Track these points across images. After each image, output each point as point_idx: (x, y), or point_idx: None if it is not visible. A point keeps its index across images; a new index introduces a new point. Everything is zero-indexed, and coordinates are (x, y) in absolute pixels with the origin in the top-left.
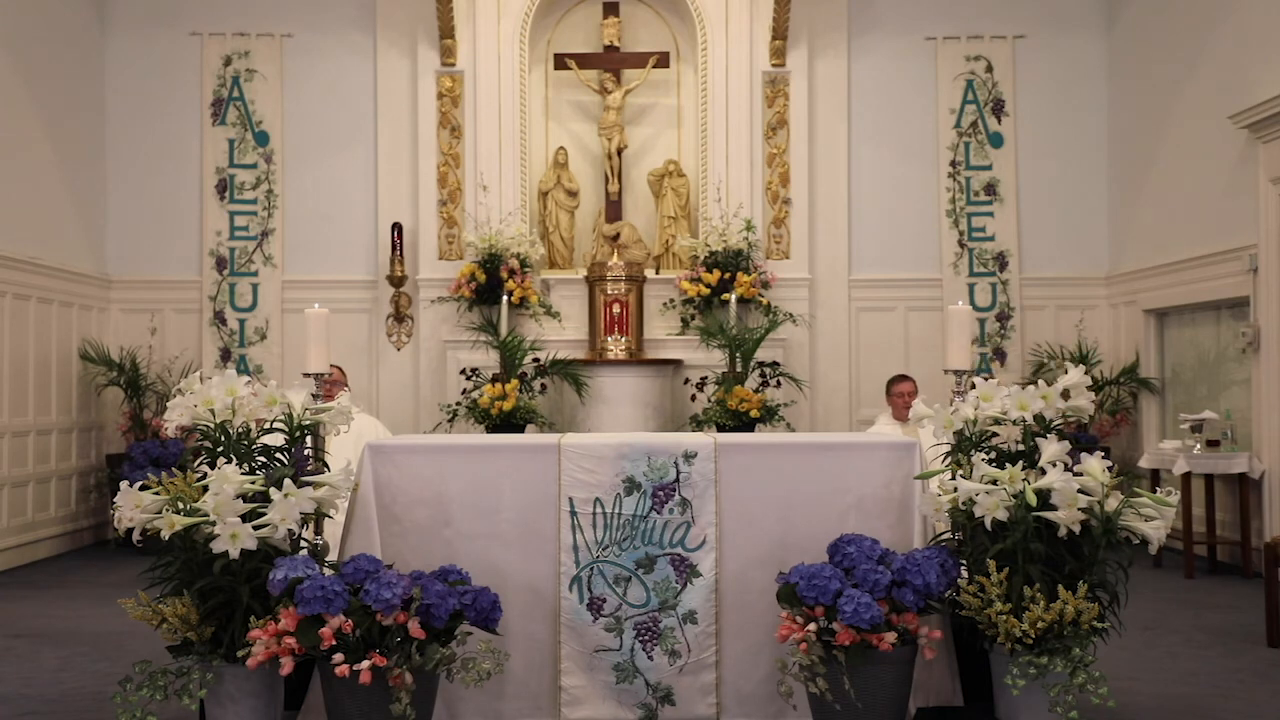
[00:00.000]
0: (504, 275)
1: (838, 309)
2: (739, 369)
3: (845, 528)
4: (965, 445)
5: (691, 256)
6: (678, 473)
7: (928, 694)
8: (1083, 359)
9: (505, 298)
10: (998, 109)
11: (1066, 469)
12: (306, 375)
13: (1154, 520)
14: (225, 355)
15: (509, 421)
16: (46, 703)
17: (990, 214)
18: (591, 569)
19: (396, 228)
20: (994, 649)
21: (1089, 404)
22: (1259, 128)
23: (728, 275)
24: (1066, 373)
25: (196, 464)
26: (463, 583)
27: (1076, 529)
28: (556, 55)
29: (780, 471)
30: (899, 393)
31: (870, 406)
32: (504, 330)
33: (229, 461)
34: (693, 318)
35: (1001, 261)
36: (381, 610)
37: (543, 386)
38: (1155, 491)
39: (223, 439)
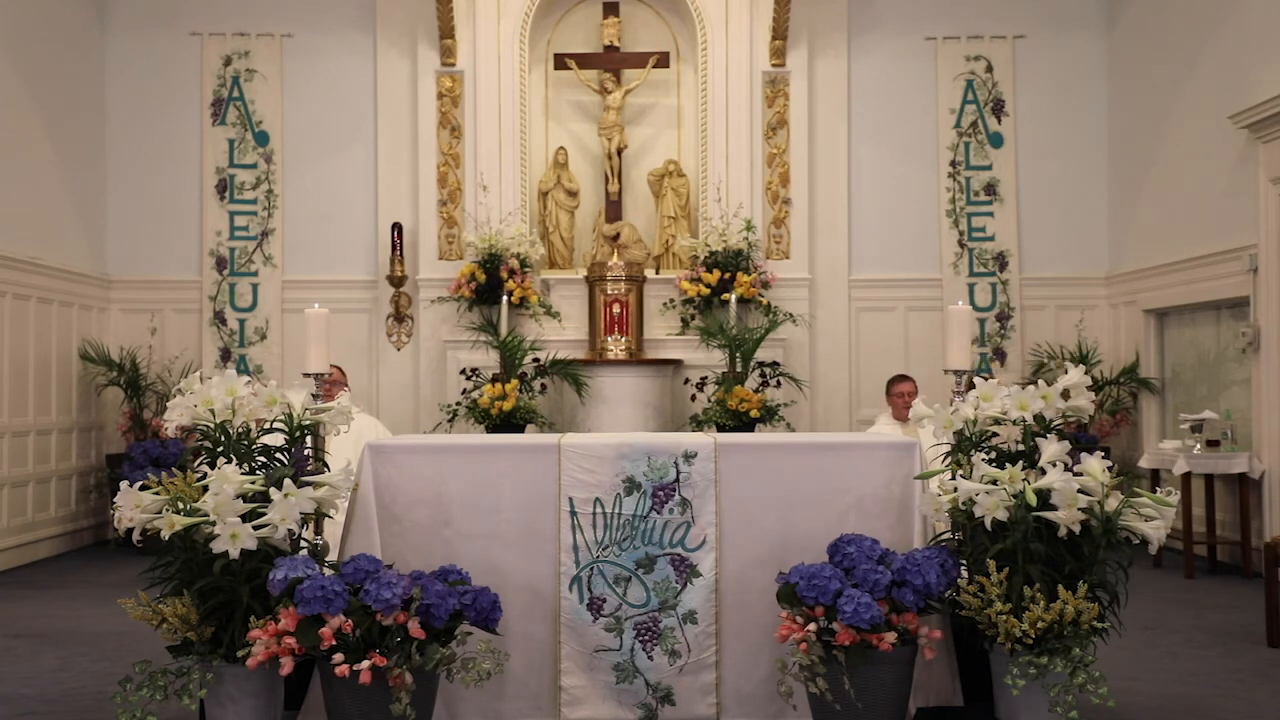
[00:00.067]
0: (504, 275)
1: (838, 309)
2: (739, 369)
3: (845, 528)
4: (965, 445)
5: (691, 256)
6: (678, 473)
7: (928, 694)
8: (1083, 359)
9: (505, 298)
10: (998, 109)
11: (1066, 469)
12: (306, 375)
13: (1154, 520)
14: (225, 355)
15: (509, 421)
16: (46, 703)
17: (990, 214)
18: (591, 569)
19: (396, 228)
20: (994, 649)
21: (1089, 404)
22: (1259, 128)
23: (728, 275)
24: (1066, 373)
25: (196, 464)
26: (463, 583)
27: (1076, 529)
28: (556, 55)
29: (780, 471)
30: (899, 393)
31: (870, 406)
32: (504, 330)
33: (229, 461)
34: (693, 318)
35: (1001, 261)
36: (381, 610)
37: (543, 386)
38: (1155, 491)
39: (223, 439)
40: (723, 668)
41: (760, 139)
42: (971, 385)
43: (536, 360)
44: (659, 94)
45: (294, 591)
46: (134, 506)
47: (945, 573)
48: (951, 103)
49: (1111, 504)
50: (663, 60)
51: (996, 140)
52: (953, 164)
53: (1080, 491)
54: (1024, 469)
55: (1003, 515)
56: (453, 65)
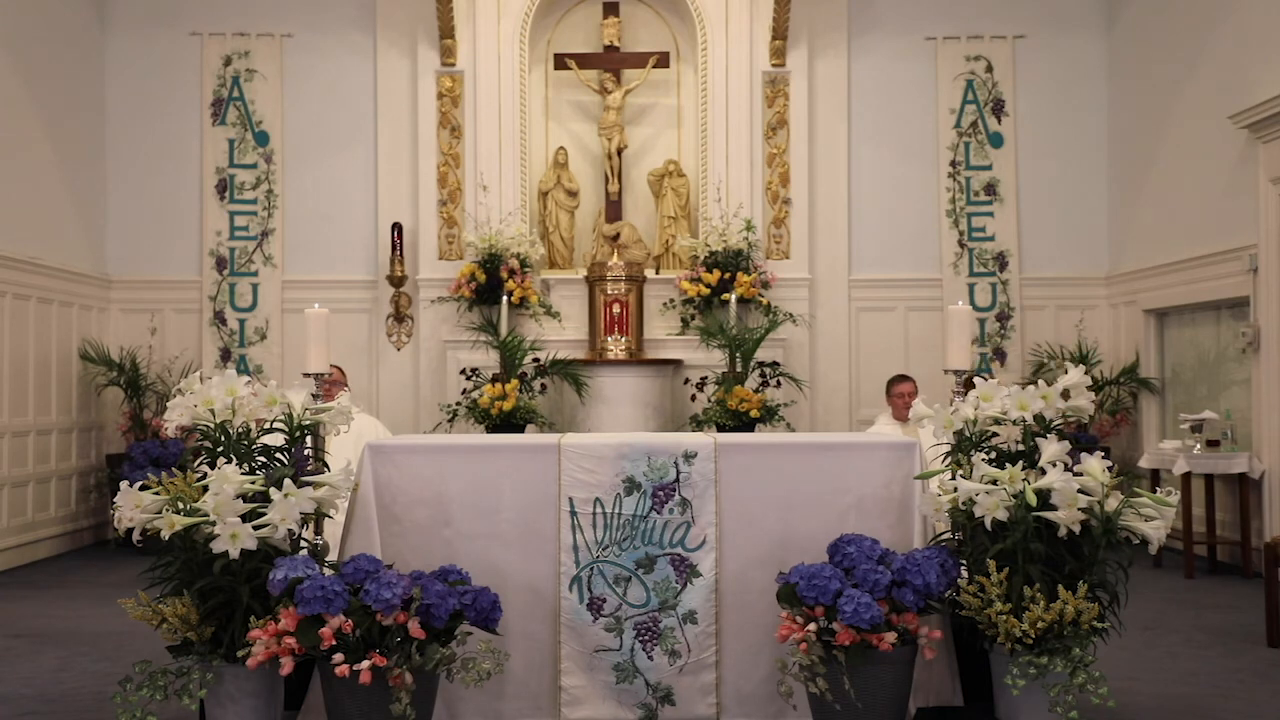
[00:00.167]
0: (504, 275)
1: (838, 309)
2: (739, 369)
3: (845, 528)
4: (965, 445)
5: (691, 256)
6: (678, 473)
7: (928, 694)
8: (1083, 359)
9: (505, 298)
10: (998, 109)
11: (1066, 469)
12: (306, 375)
13: (1154, 520)
14: (225, 355)
15: (509, 421)
16: (46, 703)
17: (990, 214)
18: (591, 569)
19: (396, 228)
20: (994, 649)
21: (1089, 404)
22: (1259, 128)
23: (728, 275)
24: (1066, 373)
25: (196, 464)
26: (463, 583)
27: (1076, 529)
28: (556, 55)
29: (780, 471)
30: (899, 393)
31: (870, 406)
32: (504, 330)
33: (229, 461)
34: (693, 318)
35: (1001, 261)
36: (381, 610)
37: (543, 386)
38: (1155, 491)
39: (223, 439)
40: (723, 668)
41: (760, 139)
42: (970, 384)
43: (536, 360)
44: (659, 94)
45: (294, 591)
46: (134, 506)
47: (945, 573)
48: (951, 103)
49: (1111, 504)
50: (663, 60)
51: (996, 140)
52: (953, 164)
53: (1080, 491)
54: (1024, 469)
55: (1003, 515)
56: (453, 65)
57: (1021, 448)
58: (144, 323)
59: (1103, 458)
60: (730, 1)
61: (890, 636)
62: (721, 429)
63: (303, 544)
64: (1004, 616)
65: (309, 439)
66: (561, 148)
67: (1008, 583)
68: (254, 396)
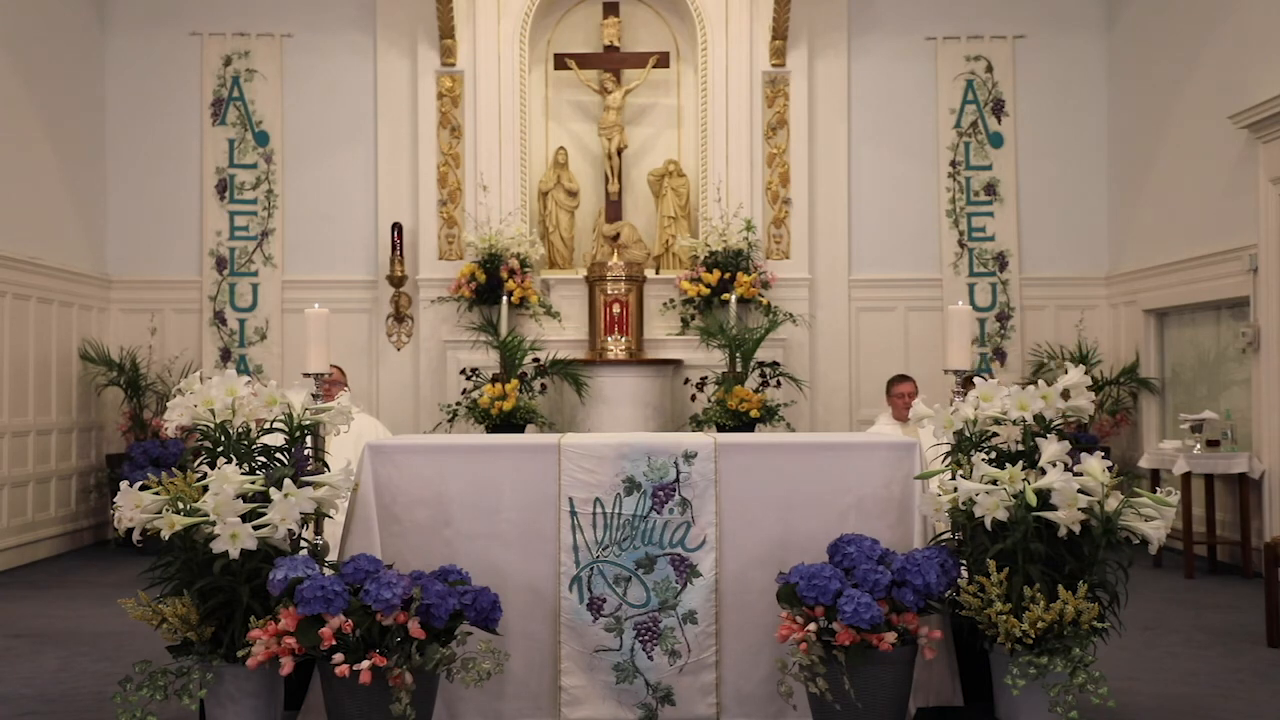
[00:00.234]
0: (504, 275)
1: (838, 309)
2: (739, 369)
3: (845, 528)
4: (965, 445)
5: (691, 256)
6: (678, 473)
7: (928, 694)
8: (1083, 359)
9: (505, 298)
10: (998, 109)
11: (1066, 469)
12: (306, 375)
13: (1154, 520)
14: (225, 355)
15: (509, 421)
16: (46, 703)
17: (990, 214)
18: (591, 569)
19: (396, 228)
20: (994, 649)
21: (1089, 404)
22: (1259, 128)
23: (728, 275)
24: (1066, 373)
25: (196, 464)
26: (463, 583)
27: (1076, 529)
28: (556, 55)
29: (780, 471)
30: (899, 393)
31: (870, 406)
32: (504, 330)
33: (229, 461)
34: (693, 318)
35: (1001, 261)
36: (381, 610)
37: (543, 386)
38: (1155, 491)
39: (223, 439)
40: (723, 668)
41: (760, 139)
42: (970, 384)
43: (536, 360)
44: (659, 94)
45: (294, 591)
46: (134, 506)
47: (945, 573)
48: (951, 103)
49: (1111, 504)
50: (663, 60)
51: (996, 140)
52: (953, 164)
53: (1080, 491)
54: (1024, 469)
55: (1003, 515)
56: (453, 65)
57: (1021, 448)
58: (144, 323)
59: (1103, 458)
60: (730, 1)
61: (890, 636)
62: (721, 429)
63: (303, 544)
64: (1004, 616)
65: (309, 439)
66: (561, 148)
67: (1008, 583)
68: (254, 396)
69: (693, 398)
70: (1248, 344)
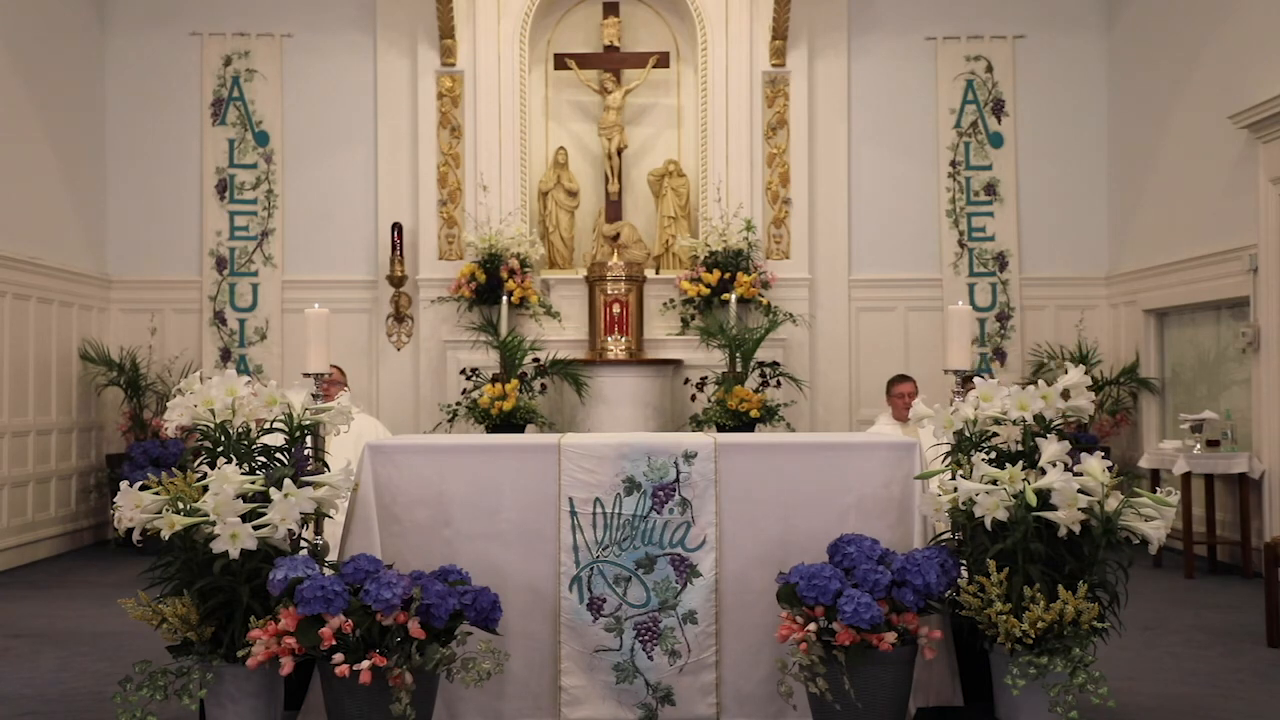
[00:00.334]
0: (504, 275)
1: (838, 309)
2: (739, 369)
3: (845, 528)
4: (965, 445)
5: (691, 256)
6: (678, 473)
7: (928, 694)
8: (1083, 359)
9: (505, 298)
10: (998, 109)
11: (1066, 469)
12: (306, 375)
13: (1154, 520)
14: (225, 355)
15: (509, 421)
16: (46, 703)
17: (990, 214)
18: (591, 569)
19: (396, 228)
20: (994, 649)
21: (1089, 404)
22: (1259, 128)
23: (728, 275)
24: (1066, 373)
25: (196, 464)
26: (463, 583)
27: (1076, 529)
28: (556, 55)
29: (780, 471)
30: (899, 393)
31: (870, 406)
32: (504, 330)
33: (229, 461)
34: (693, 318)
35: (1001, 261)
36: (381, 610)
37: (543, 386)
38: (1155, 491)
39: (223, 439)
40: (723, 668)
41: (760, 139)
42: (970, 384)
43: (536, 360)
44: (659, 94)
45: (294, 591)
46: (134, 506)
47: (945, 573)
48: (951, 103)
49: (1111, 504)
50: (663, 60)
51: (996, 140)
52: (953, 164)
53: (1080, 491)
54: (1024, 469)
55: (1003, 515)
56: (453, 65)
57: (1021, 448)
58: (144, 323)
59: (1103, 458)
60: (730, 1)
61: (890, 636)
62: (721, 429)
63: (303, 544)
64: (1004, 616)
65: (309, 439)
66: (561, 148)
67: (1008, 583)
68: (254, 396)
69: (693, 398)
70: (1248, 344)
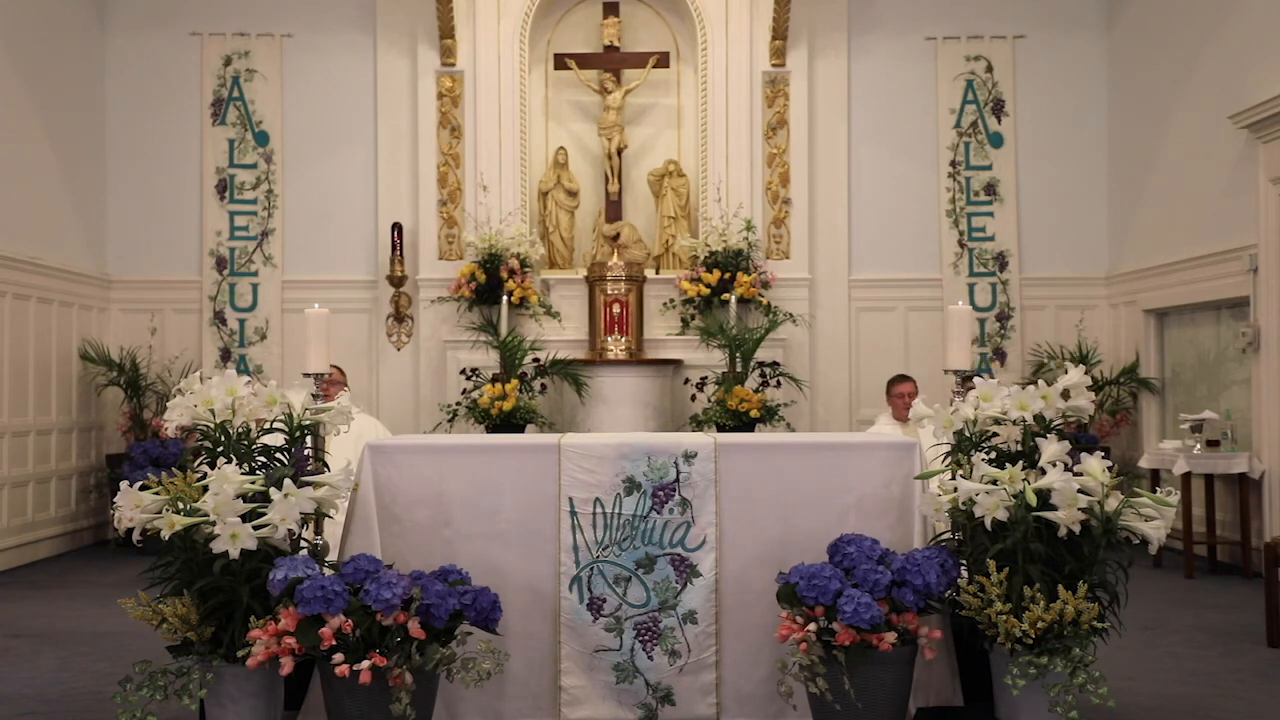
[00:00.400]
0: (504, 275)
1: (838, 309)
2: (739, 369)
3: (845, 528)
4: (965, 445)
5: (691, 256)
6: (678, 473)
7: (928, 694)
8: (1083, 359)
9: (505, 298)
10: (998, 109)
11: (1066, 469)
12: (306, 375)
13: (1154, 520)
14: (225, 355)
15: (509, 421)
16: (46, 703)
17: (990, 214)
18: (591, 569)
19: (396, 228)
20: (994, 649)
21: (1089, 404)
22: (1259, 128)
23: (728, 275)
24: (1066, 373)
25: (196, 464)
26: (463, 583)
27: (1076, 529)
28: (556, 55)
29: (780, 471)
30: (899, 393)
31: (870, 406)
32: (504, 330)
33: (229, 461)
34: (693, 318)
35: (1001, 261)
36: (381, 610)
37: (543, 386)
38: (1155, 491)
39: (223, 439)
40: (723, 668)
41: (760, 139)
42: (970, 384)
43: (536, 360)
44: (659, 94)
45: (294, 591)
46: (134, 506)
47: (945, 573)
48: (951, 103)
49: (1111, 504)
50: (663, 60)
51: (996, 140)
52: (953, 164)
53: (1080, 491)
54: (1024, 469)
55: (1003, 515)
56: (453, 65)
57: (1021, 448)
58: (144, 323)
59: (1103, 458)
60: (730, 1)
61: (890, 636)
62: (721, 429)
63: (303, 544)
64: (1004, 616)
65: (309, 439)
66: (561, 148)
67: (1008, 583)
68: (254, 396)
69: (693, 398)
70: (1248, 344)
